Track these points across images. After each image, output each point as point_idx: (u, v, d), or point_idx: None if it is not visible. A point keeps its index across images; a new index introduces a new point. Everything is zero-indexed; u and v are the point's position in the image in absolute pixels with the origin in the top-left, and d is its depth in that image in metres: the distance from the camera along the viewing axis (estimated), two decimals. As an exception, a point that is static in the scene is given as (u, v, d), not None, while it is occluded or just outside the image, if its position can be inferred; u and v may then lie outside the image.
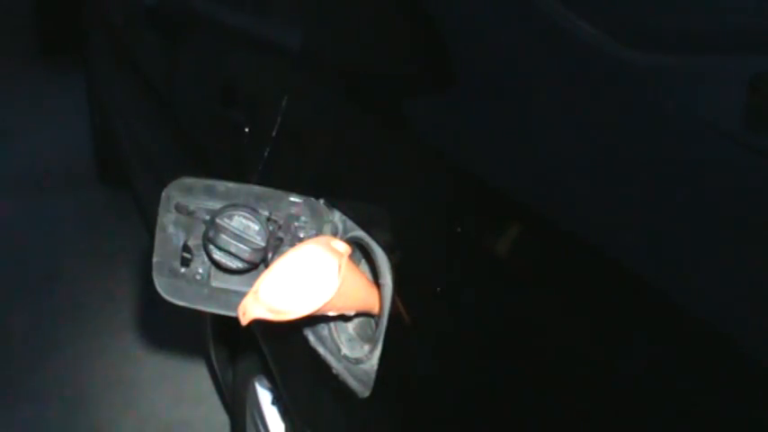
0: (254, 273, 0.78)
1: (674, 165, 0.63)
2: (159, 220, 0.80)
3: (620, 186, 0.62)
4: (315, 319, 0.80)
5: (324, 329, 0.84)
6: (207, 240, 0.76)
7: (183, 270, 0.80)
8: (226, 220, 0.76)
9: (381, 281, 0.75)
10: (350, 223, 0.81)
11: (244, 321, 0.69)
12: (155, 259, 0.81)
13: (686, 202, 0.60)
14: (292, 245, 0.78)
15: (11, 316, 2.04)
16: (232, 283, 0.80)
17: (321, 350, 0.83)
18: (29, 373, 1.81)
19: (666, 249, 0.57)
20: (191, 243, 0.80)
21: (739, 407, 0.49)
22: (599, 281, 0.57)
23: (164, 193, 0.80)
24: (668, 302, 0.54)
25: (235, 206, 0.77)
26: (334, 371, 0.80)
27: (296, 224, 0.79)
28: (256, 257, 0.76)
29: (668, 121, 0.67)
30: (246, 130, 1.09)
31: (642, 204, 0.60)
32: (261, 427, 1.16)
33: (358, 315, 0.81)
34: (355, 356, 0.79)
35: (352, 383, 0.77)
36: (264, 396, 1.15)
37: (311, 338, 0.84)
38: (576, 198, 0.63)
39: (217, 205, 0.78)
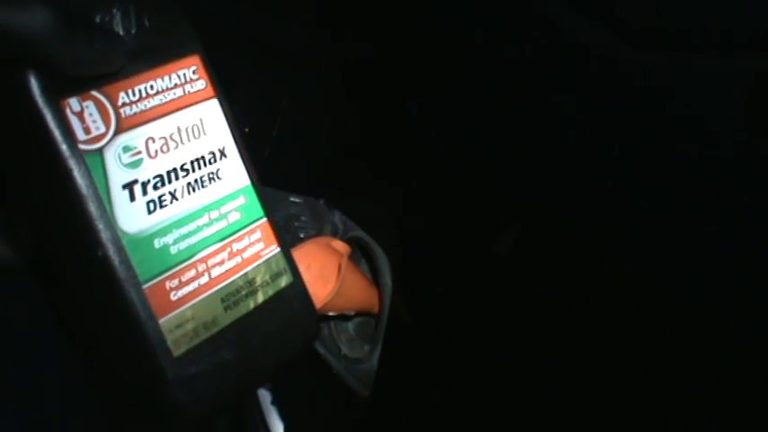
0: None
1: (675, 165, 0.63)
2: None
3: (620, 186, 0.63)
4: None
5: (324, 329, 0.84)
6: None
7: None
8: None
9: (381, 281, 0.75)
10: (350, 223, 0.81)
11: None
12: None
13: (686, 202, 0.60)
14: (292, 245, 0.78)
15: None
16: None
17: (321, 350, 0.83)
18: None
19: (668, 249, 0.57)
20: None
21: (739, 405, 0.49)
22: (600, 281, 0.58)
23: None
24: (670, 302, 0.54)
25: None
26: (334, 371, 0.80)
27: (296, 224, 0.79)
28: None
29: (668, 121, 0.67)
30: (246, 130, 1.09)
31: (642, 204, 0.60)
32: (260, 427, 1.15)
33: (358, 315, 0.81)
34: (355, 356, 0.79)
35: (353, 383, 0.77)
36: (264, 396, 1.15)
37: (311, 338, 0.84)
38: (575, 198, 0.63)
39: None
